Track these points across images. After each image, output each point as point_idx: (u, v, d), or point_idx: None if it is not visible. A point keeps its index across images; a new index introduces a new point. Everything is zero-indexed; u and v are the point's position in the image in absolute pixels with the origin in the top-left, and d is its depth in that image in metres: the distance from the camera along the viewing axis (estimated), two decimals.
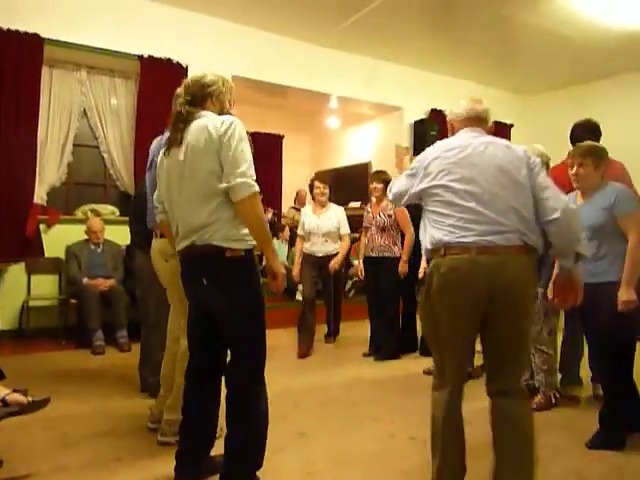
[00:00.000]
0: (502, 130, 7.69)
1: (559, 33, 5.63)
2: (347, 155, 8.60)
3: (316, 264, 4.54)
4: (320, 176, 4.91)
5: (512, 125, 7.79)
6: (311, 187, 4.70)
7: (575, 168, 2.66)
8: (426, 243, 2.00)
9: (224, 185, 1.88)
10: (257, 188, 1.89)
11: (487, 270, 1.81)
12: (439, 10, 5.22)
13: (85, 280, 4.55)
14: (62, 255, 4.82)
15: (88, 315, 4.41)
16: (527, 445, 1.93)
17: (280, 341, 4.83)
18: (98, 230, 4.75)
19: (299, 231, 4.70)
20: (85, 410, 3.00)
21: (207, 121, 1.93)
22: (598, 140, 3.34)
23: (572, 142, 3.40)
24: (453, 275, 1.84)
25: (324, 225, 4.50)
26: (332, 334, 4.99)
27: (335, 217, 4.56)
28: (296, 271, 4.59)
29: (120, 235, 4.71)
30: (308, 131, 9.22)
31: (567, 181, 3.17)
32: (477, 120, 2.10)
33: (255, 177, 1.92)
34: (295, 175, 8.73)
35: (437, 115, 7.03)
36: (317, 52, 6.16)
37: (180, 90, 2.07)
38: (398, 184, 2.16)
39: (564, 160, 3.38)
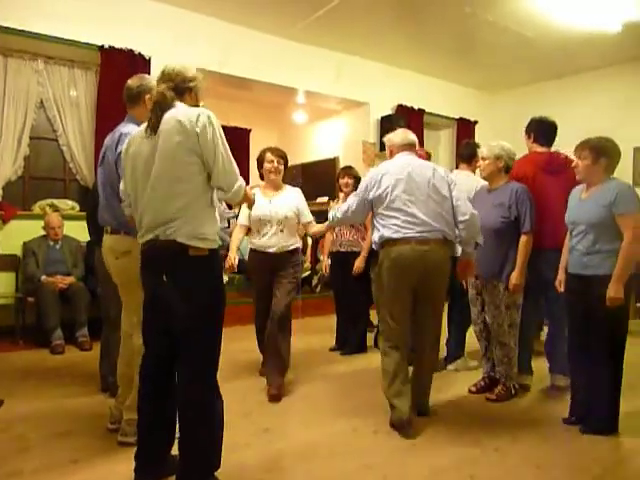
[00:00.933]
0: (467, 127, 7.84)
1: (519, 32, 5.74)
2: (315, 150, 8.59)
3: (269, 264, 3.39)
4: (274, 149, 3.57)
5: (476, 122, 7.93)
6: (260, 162, 3.53)
7: (576, 160, 2.72)
8: (375, 238, 2.81)
9: (224, 195, 2.01)
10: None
11: (421, 255, 2.64)
12: (404, 6, 5.25)
13: (43, 277, 4.42)
14: (19, 252, 4.66)
15: (46, 314, 4.29)
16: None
17: (248, 337, 4.80)
18: (56, 226, 4.61)
19: (242, 220, 3.64)
20: (42, 411, 2.91)
21: (180, 114, 1.89)
22: (552, 137, 3.43)
23: (529, 135, 3.48)
24: (400, 258, 2.67)
25: (280, 210, 3.38)
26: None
27: (294, 200, 3.47)
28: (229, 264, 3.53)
29: (80, 231, 4.55)
30: (275, 125, 9.16)
31: (525, 172, 3.26)
32: (411, 146, 2.89)
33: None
34: None
35: (403, 111, 7.09)
36: (284, 46, 6.11)
37: (155, 79, 2.08)
38: (350, 202, 2.90)
39: (525, 154, 3.47)
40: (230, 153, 1.97)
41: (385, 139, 3.03)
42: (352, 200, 2.90)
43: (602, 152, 2.63)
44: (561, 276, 2.91)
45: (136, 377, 2.31)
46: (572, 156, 2.84)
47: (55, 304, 4.32)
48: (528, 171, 3.26)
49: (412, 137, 2.91)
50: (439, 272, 2.72)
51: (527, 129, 3.51)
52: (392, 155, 2.90)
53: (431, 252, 2.64)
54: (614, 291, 2.52)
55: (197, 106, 2.06)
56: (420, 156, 3.74)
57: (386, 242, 2.71)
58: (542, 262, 3.14)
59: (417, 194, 2.68)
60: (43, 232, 4.65)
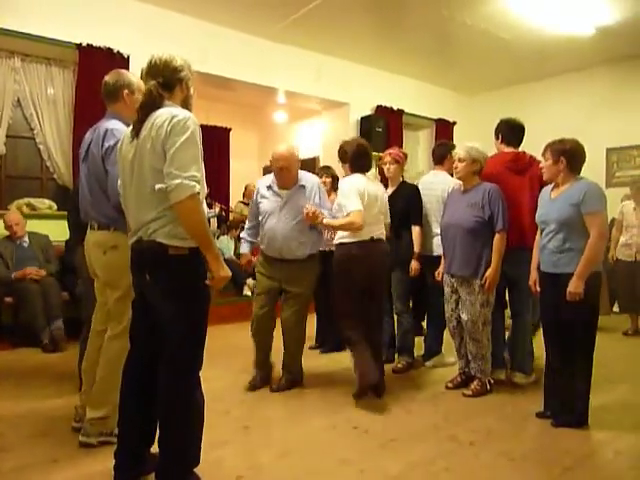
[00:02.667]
0: (445, 127, 7.94)
1: (496, 35, 5.85)
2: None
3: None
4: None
5: (455, 122, 8.03)
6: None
7: (542, 161, 2.85)
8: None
9: (160, 185, 1.83)
10: (197, 189, 1.82)
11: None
12: (383, 7, 5.30)
13: (14, 275, 4.35)
14: None
15: (34, 314, 4.25)
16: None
17: (228, 336, 4.82)
18: (14, 223, 4.46)
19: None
20: (21, 411, 2.90)
21: (160, 117, 1.87)
22: (520, 138, 3.53)
23: (497, 136, 3.57)
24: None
25: None
26: None
27: None
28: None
29: (59, 230, 4.52)
30: (256, 125, 9.17)
31: (491, 171, 3.35)
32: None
33: (198, 178, 1.83)
34: (243, 169, 8.66)
35: (383, 111, 7.15)
36: (264, 46, 6.12)
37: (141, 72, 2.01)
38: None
39: (493, 154, 3.55)
40: (195, 152, 1.85)
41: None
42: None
43: (561, 152, 2.74)
44: (534, 275, 2.99)
45: (102, 372, 2.37)
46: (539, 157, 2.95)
47: (40, 303, 4.28)
48: (494, 170, 3.35)
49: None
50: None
51: (496, 130, 3.61)
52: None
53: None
54: (574, 286, 2.62)
55: (188, 98, 2.05)
56: (397, 155, 3.82)
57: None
58: (506, 259, 3.20)
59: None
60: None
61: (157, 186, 1.84)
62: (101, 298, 2.54)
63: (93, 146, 2.44)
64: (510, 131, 3.52)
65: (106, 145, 2.35)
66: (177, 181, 1.79)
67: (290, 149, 3.32)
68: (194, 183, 1.81)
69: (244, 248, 3.56)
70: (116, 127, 2.38)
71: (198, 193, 1.83)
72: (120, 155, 2.05)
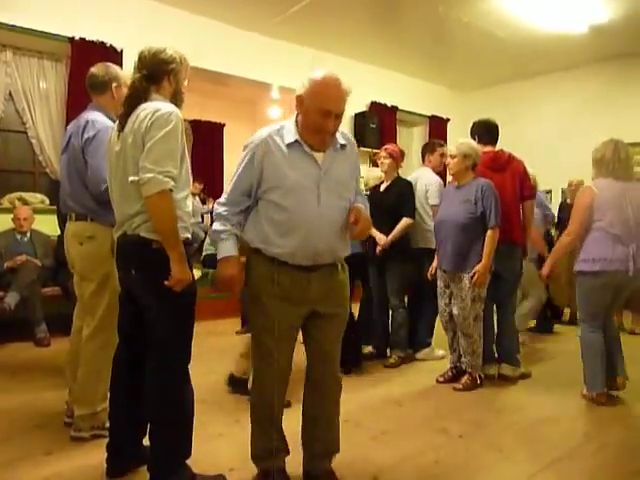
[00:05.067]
0: (439, 124, 7.97)
1: (491, 33, 5.88)
2: None
3: None
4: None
5: (449, 119, 8.06)
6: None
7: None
8: None
9: (133, 178, 1.82)
10: (169, 185, 1.79)
11: None
12: (379, 4, 5.32)
13: (5, 265, 4.35)
14: None
15: (29, 307, 4.27)
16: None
17: (221, 330, 4.83)
18: (22, 218, 4.52)
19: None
20: (13, 405, 2.91)
21: (144, 111, 1.86)
22: (496, 137, 3.60)
23: (473, 137, 3.62)
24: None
25: None
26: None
27: None
28: None
29: (50, 224, 4.50)
30: (250, 120, 9.13)
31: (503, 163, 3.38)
32: None
33: (172, 174, 1.80)
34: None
35: (377, 108, 7.17)
36: (258, 41, 6.12)
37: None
38: None
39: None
40: (173, 146, 1.82)
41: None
42: None
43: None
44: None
45: (84, 368, 2.39)
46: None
47: (37, 296, 4.29)
48: (476, 169, 3.38)
49: None
50: None
51: (471, 132, 3.67)
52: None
53: None
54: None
55: (178, 92, 2.02)
56: (393, 151, 3.86)
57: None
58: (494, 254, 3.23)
59: None
60: (13, 225, 4.57)
61: (130, 178, 1.84)
62: (79, 291, 2.54)
63: (73, 137, 2.44)
64: (486, 131, 3.60)
65: (85, 136, 2.35)
66: (150, 175, 1.77)
67: (342, 82, 1.93)
68: (167, 179, 1.79)
69: (228, 247, 1.91)
70: (97, 119, 2.38)
71: (170, 190, 1.81)
72: (108, 148, 2.06)
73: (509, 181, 3.40)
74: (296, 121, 1.92)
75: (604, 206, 2.97)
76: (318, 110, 1.83)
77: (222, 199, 1.96)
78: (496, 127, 3.63)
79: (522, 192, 3.46)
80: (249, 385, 2.48)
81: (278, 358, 1.96)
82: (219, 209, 1.95)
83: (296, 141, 1.88)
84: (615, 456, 2.46)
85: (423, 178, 4.01)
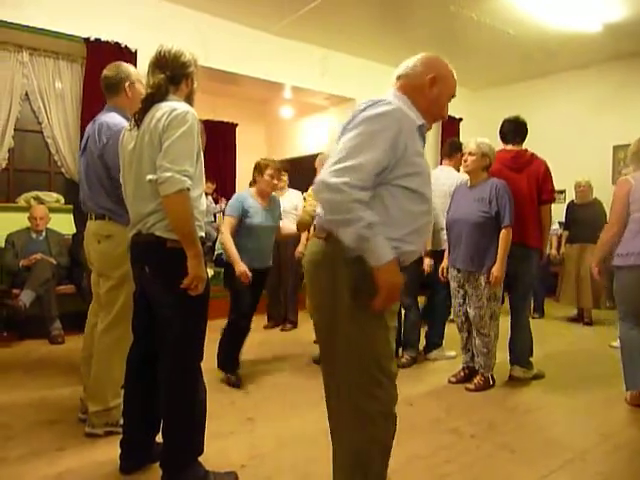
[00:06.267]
0: (452, 124, 7.92)
1: (502, 31, 5.83)
2: (302, 145, 8.62)
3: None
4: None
5: (461, 119, 8.02)
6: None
7: None
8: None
9: (151, 177, 1.84)
10: (187, 184, 1.81)
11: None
12: (390, 3, 5.30)
13: (21, 263, 4.41)
14: (2, 244, 4.64)
15: (43, 304, 4.31)
16: None
17: None
18: (38, 217, 4.59)
19: None
20: (27, 401, 2.94)
21: (160, 110, 1.88)
22: (523, 136, 3.53)
23: (501, 136, 3.58)
24: None
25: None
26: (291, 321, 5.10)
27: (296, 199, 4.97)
28: None
29: (66, 223, 4.58)
30: (262, 120, 9.18)
31: (491, 169, 3.35)
32: None
33: (190, 173, 1.82)
34: (249, 164, 8.53)
35: None
36: (270, 41, 6.13)
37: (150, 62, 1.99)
38: None
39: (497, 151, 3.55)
40: (190, 146, 1.84)
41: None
42: None
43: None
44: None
45: (96, 367, 2.41)
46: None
47: (52, 294, 4.35)
48: (493, 168, 3.36)
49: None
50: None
51: (500, 130, 3.61)
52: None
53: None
54: None
55: (192, 93, 2.06)
56: None
57: None
58: (507, 255, 3.19)
59: None
60: (28, 224, 4.64)
61: (148, 177, 1.86)
62: (96, 289, 2.57)
63: (90, 139, 2.48)
64: (511, 129, 3.53)
65: (102, 141, 2.38)
66: (168, 174, 1.79)
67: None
68: (185, 178, 1.81)
69: (387, 246, 1.47)
70: (113, 121, 2.41)
71: (188, 189, 1.82)
72: (121, 146, 2.08)
73: (525, 182, 3.33)
74: (413, 102, 1.68)
75: (636, 200, 2.93)
76: (449, 95, 1.76)
77: (357, 181, 1.44)
78: (522, 125, 3.54)
79: (540, 195, 3.37)
80: None
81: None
82: (359, 194, 1.44)
83: (423, 125, 1.66)
84: (629, 458, 2.43)
85: (449, 178, 3.85)
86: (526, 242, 3.23)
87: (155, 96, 1.94)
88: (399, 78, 1.78)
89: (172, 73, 1.98)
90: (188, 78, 2.04)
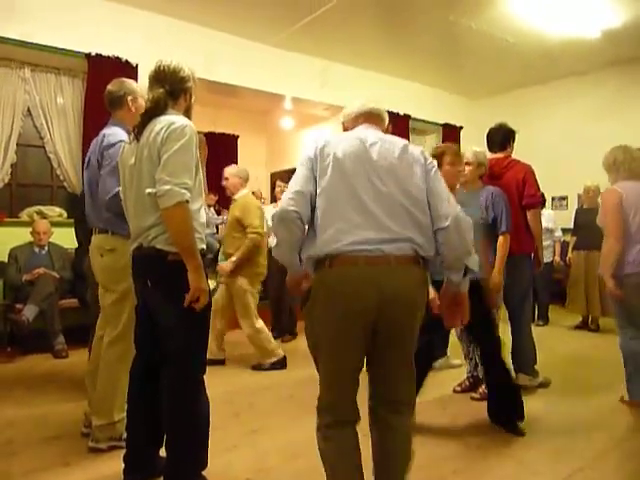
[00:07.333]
0: (452, 132, 7.94)
1: (502, 39, 5.86)
2: None
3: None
4: (281, 175, 4.89)
5: (462, 127, 8.04)
6: (273, 186, 4.70)
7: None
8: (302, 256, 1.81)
9: (151, 190, 1.85)
10: (186, 197, 1.81)
11: (377, 280, 1.63)
12: (389, 13, 5.34)
13: (24, 277, 4.41)
14: (5, 259, 4.65)
15: (47, 318, 4.31)
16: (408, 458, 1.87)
17: (239, 341, 4.83)
18: (42, 231, 4.61)
19: (265, 229, 4.25)
20: (31, 416, 2.93)
21: (159, 124, 1.89)
22: (508, 143, 3.53)
23: (488, 145, 3.59)
24: (341, 287, 1.66)
25: None
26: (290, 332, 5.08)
27: None
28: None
29: (68, 237, 4.58)
30: (263, 131, 9.22)
31: (503, 169, 3.34)
32: (374, 117, 1.97)
33: (189, 185, 1.83)
34: (251, 175, 8.65)
35: (390, 116, 7.09)
36: (270, 53, 6.18)
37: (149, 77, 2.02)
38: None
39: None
40: (189, 159, 1.85)
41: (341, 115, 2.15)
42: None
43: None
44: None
45: (102, 381, 2.40)
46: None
47: (55, 309, 4.34)
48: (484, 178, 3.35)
49: (373, 105, 1.98)
50: (408, 308, 1.68)
51: (486, 138, 3.63)
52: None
53: (393, 275, 1.63)
54: None
55: (190, 108, 2.08)
56: None
57: (319, 261, 1.67)
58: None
59: (376, 181, 1.70)
60: (31, 238, 4.65)
61: (147, 190, 1.86)
62: (102, 302, 2.57)
63: (92, 154, 2.50)
64: (495, 137, 3.55)
65: (101, 151, 2.40)
66: (167, 187, 1.80)
67: None
68: (184, 191, 1.82)
69: None
70: (113, 132, 2.43)
71: (187, 201, 1.83)
72: (121, 161, 2.09)
73: (505, 189, 3.27)
74: None
75: (630, 208, 2.93)
76: None
77: None
78: (507, 132, 3.55)
79: (520, 200, 3.34)
80: None
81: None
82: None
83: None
84: (638, 467, 2.40)
85: None
86: (511, 250, 3.17)
87: (154, 110, 1.95)
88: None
89: (171, 87, 2.00)
90: (187, 93, 2.06)
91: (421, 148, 1.87)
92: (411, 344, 1.77)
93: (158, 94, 1.96)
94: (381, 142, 1.79)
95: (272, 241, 3.75)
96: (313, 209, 1.69)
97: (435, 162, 1.87)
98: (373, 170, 1.71)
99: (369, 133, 1.83)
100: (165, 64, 2.03)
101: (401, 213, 1.67)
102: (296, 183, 1.70)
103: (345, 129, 1.97)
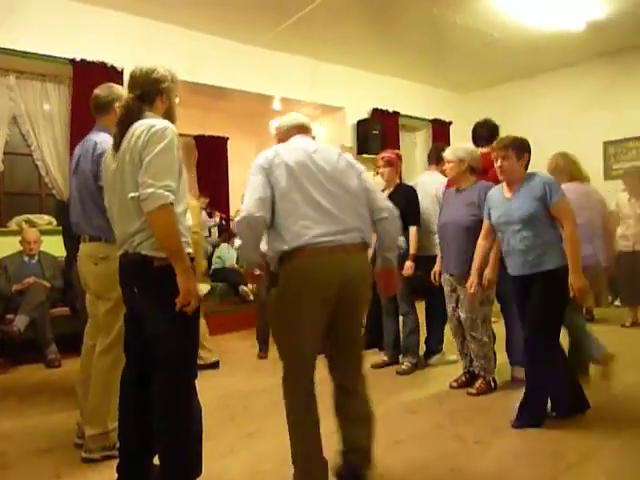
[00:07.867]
0: (442, 127, 7.95)
1: (487, 33, 5.87)
2: None
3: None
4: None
5: (451, 122, 8.04)
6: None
7: (499, 161, 2.75)
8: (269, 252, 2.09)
9: (134, 194, 1.82)
10: (170, 199, 1.78)
11: (341, 267, 1.96)
12: (375, 11, 5.33)
13: (14, 288, 4.37)
14: None
15: (39, 328, 4.26)
16: (369, 427, 2.11)
17: (233, 345, 4.82)
18: (32, 241, 4.56)
19: None
20: (23, 428, 2.90)
21: (139, 128, 1.87)
22: (492, 137, 3.53)
23: (474, 140, 3.61)
24: (310, 275, 1.95)
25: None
26: None
27: None
28: None
29: (58, 246, 4.52)
30: (253, 133, 9.18)
31: (488, 164, 3.34)
32: (303, 129, 2.23)
33: (172, 188, 1.80)
34: (242, 177, 8.54)
35: (379, 114, 7.17)
36: (257, 53, 6.15)
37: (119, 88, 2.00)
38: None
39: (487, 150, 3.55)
40: (171, 161, 1.83)
41: (272, 127, 2.50)
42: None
43: (522, 149, 2.73)
44: (474, 278, 3.02)
45: (94, 390, 2.38)
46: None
47: (46, 318, 4.30)
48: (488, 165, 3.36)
49: (304, 119, 2.27)
50: (361, 289, 2.02)
51: (471, 134, 3.70)
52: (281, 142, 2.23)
53: (351, 262, 1.95)
54: (580, 281, 2.58)
55: (171, 109, 2.04)
56: (390, 158, 3.84)
57: (287, 254, 1.92)
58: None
59: (325, 183, 1.99)
60: (20, 247, 4.60)
61: (130, 194, 1.83)
62: (92, 310, 2.54)
63: (82, 159, 2.46)
64: (480, 132, 3.62)
65: (95, 158, 2.37)
66: (150, 190, 1.77)
67: None
68: (168, 193, 1.79)
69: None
70: (104, 139, 2.39)
71: (171, 203, 1.80)
72: (104, 168, 2.06)
73: (493, 183, 3.22)
74: None
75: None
76: None
77: None
78: (493, 127, 3.59)
79: None
80: None
81: None
82: None
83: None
84: (633, 460, 2.39)
85: (435, 182, 3.93)
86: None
87: (127, 116, 1.92)
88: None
89: (142, 91, 1.96)
90: (163, 94, 2.00)
91: (349, 154, 2.20)
92: (361, 322, 2.15)
93: (127, 99, 1.94)
94: (320, 150, 2.08)
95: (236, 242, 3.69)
96: (273, 212, 1.94)
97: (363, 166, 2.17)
98: (321, 174, 1.99)
99: (307, 142, 2.12)
100: (138, 68, 1.99)
101: (348, 208, 1.99)
102: (256, 190, 1.95)
103: (279, 140, 2.23)
